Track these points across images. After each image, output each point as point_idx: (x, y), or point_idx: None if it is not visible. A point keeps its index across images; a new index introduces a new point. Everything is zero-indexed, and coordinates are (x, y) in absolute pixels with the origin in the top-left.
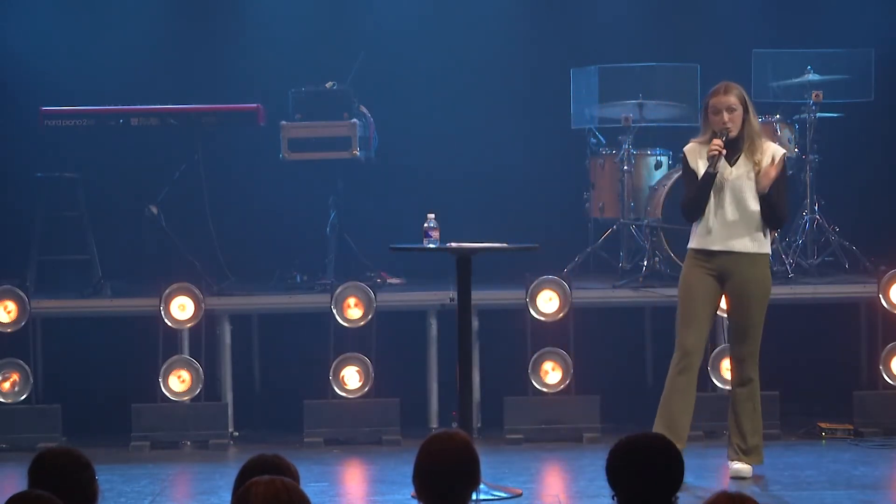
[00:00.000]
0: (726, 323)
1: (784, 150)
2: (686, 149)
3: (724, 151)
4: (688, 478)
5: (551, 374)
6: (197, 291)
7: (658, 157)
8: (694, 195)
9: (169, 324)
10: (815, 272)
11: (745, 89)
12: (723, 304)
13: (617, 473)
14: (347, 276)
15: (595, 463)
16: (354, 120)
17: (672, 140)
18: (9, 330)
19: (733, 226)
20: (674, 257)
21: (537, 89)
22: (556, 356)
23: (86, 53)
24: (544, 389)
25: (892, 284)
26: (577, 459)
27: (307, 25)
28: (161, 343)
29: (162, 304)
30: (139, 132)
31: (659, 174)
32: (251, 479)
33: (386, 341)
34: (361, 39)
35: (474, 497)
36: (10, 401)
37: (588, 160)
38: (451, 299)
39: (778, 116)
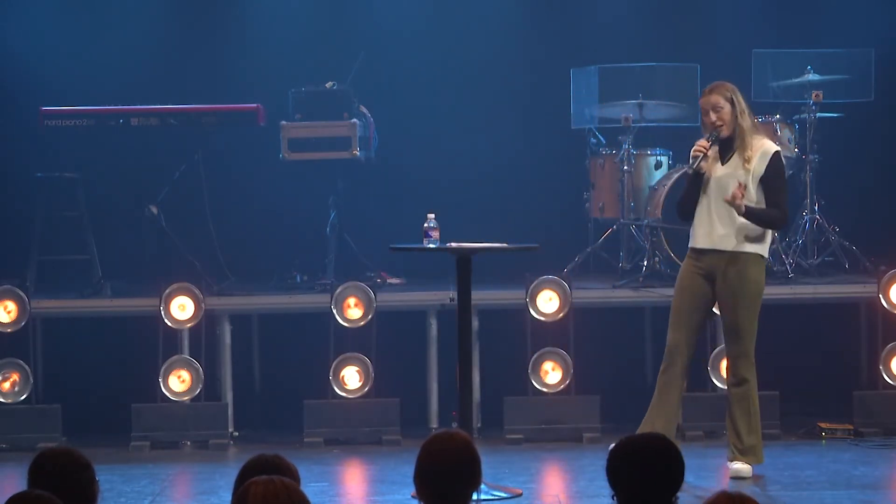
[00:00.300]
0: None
1: (777, 148)
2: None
3: (708, 152)
4: (688, 478)
5: (551, 374)
6: (197, 291)
7: (658, 157)
8: (682, 195)
9: (169, 324)
10: (815, 272)
11: (745, 89)
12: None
13: (617, 473)
14: (347, 276)
15: (595, 463)
16: (354, 120)
17: (672, 140)
18: (9, 330)
19: (720, 224)
20: (674, 257)
21: (537, 89)
22: (556, 356)
23: (86, 53)
24: (544, 389)
25: (892, 284)
26: (577, 459)
27: (307, 25)
28: (161, 343)
29: (162, 304)
30: (139, 132)
31: (659, 174)
32: (250, 479)
33: (386, 341)
34: (361, 39)
35: (475, 497)
36: (10, 401)
37: (588, 160)
38: (451, 299)
39: (778, 116)
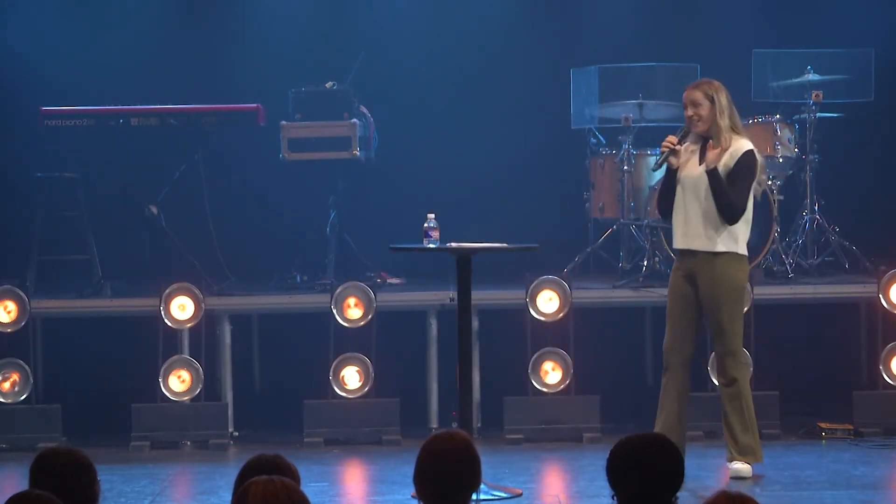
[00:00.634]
0: None
1: (751, 147)
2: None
3: (678, 148)
4: (688, 478)
5: (551, 374)
6: (197, 291)
7: (658, 158)
8: (658, 192)
9: (169, 324)
10: (815, 272)
11: (745, 89)
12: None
13: (617, 473)
14: (347, 276)
15: (595, 463)
16: (354, 120)
17: None
18: (9, 330)
19: (693, 224)
20: (674, 257)
21: (537, 89)
22: (556, 356)
23: (86, 53)
24: (544, 389)
25: (892, 284)
26: (577, 459)
27: (307, 25)
28: (161, 343)
29: (162, 304)
30: (139, 132)
31: (659, 174)
32: (250, 479)
33: (386, 341)
34: (361, 39)
35: (474, 497)
36: (10, 401)
37: (588, 160)
38: (451, 299)
39: (778, 116)
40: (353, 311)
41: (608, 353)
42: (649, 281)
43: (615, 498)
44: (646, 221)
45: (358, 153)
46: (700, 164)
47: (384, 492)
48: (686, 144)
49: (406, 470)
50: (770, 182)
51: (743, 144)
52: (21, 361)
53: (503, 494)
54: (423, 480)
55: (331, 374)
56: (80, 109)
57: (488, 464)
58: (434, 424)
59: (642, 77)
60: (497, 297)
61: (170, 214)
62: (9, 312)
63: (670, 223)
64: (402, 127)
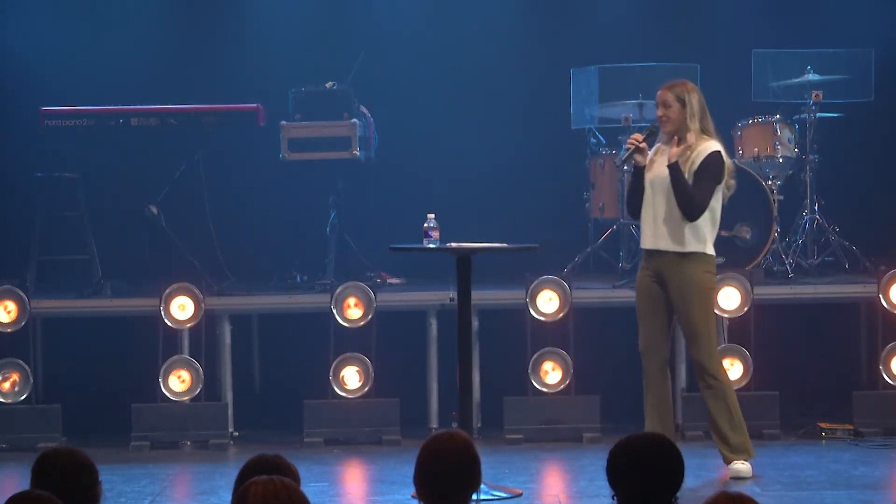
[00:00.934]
0: (726, 322)
1: (718, 148)
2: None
3: (643, 146)
4: (688, 478)
5: (551, 374)
6: (197, 291)
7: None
8: (627, 191)
9: (169, 324)
10: (815, 272)
11: (745, 89)
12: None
13: (617, 473)
14: (347, 276)
15: (595, 463)
16: (354, 120)
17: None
18: (9, 330)
19: (659, 224)
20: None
21: (537, 89)
22: (556, 356)
23: (86, 53)
24: (544, 389)
25: (892, 284)
26: (577, 459)
27: (307, 25)
28: (161, 343)
29: (162, 304)
30: (139, 132)
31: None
32: (250, 479)
33: (386, 341)
34: (361, 39)
35: (474, 497)
36: (10, 401)
37: (588, 160)
38: (451, 299)
39: (778, 116)
40: (353, 311)
41: (608, 353)
42: None
43: (615, 498)
44: None
45: (358, 153)
46: (667, 165)
47: (384, 492)
48: (658, 145)
49: (406, 470)
50: (770, 182)
51: (710, 145)
52: (21, 361)
53: (503, 494)
54: (423, 480)
55: (331, 374)
56: (80, 109)
57: (488, 464)
58: (434, 424)
59: (642, 77)
60: (497, 297)
61: (170, 214)
62: (9, 312)
63: (640, 223)
64: (402, 127)
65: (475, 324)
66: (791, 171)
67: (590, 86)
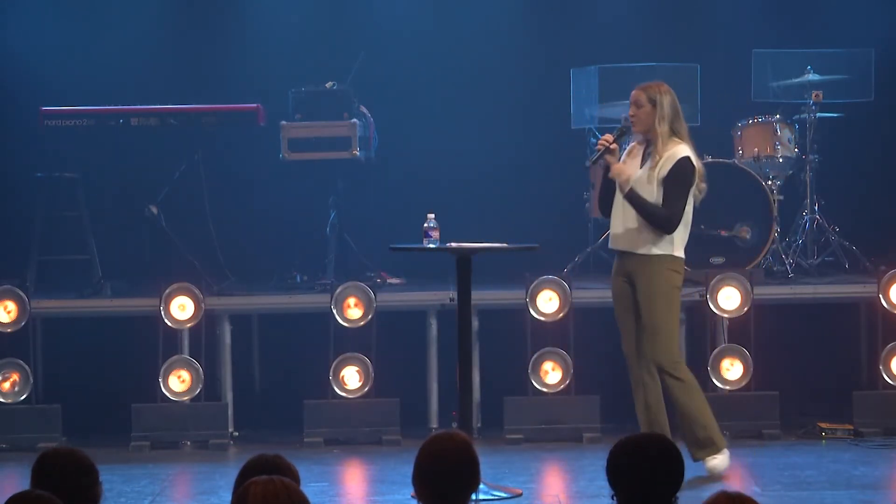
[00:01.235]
0: (726, 322)
1: (686, 154)
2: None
3: (614, 147)
4: (688, 478)
5: (551, 374)
6: (197, 291)
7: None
8: (599, 192)
9: (169, 324)
10: (815, 272)
11: (745, 89)
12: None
13: (617, 473)
14: (347, 276)
15: (595, 463)
16: (354, 120)
17: None
18: (9, 330)
19: (630, 225)
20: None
21: (537, 89)
22: (556, 356)
23: (86, 53)
24: (544, 389)
25: (892, 284)
26: (577, 459)
27: (307, 25)
28: (161, 343)
29: (162, 304)
30: (139, 132)
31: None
32: (250, 479)
33: (386, 341)
34: (361, 39)
35: (474, 497)
36: (10, 401)
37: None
38: (451, 299)
39: (778, 116)
40: (353, 311)
41: (608, 353)
42: None
43: (615, 498)
44: None
45: (358, 153)
46: (640, 167)
47: (384, 492)
48: (632, 144)
49: (406, 470)
50: (770, 182)
51: (679, 151)
52: (21, 361)
53: (503, 494)
54: (423, 481)
55: (331, 374)
56: (80, 109)
57: (488, 464)
58: (434, 424)
59: (642, 77)
60: (497, 297)
61: (170, 214)
62: (9, 312)
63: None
64: (402, 127)
65: (475, 324)
66: (791, 171)
67: (590, 86)
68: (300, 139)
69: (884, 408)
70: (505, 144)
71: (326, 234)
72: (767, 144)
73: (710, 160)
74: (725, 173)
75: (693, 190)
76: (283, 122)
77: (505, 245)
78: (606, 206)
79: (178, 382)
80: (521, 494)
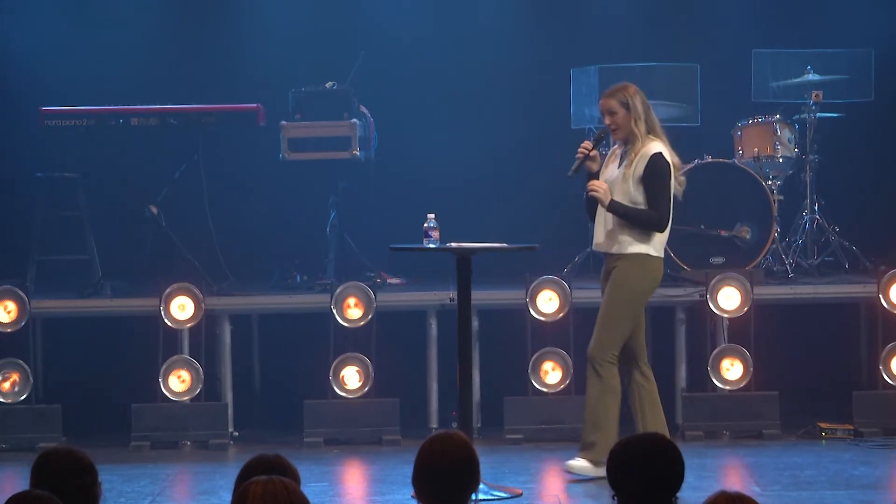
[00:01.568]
0: (726, 322)
1: (659, 150)
2: None
3: (593, 154)
4: (688, 478)
5: (551, 374)
6: (197, 291)
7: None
8: (585, 198)
9: (169, 324)
10: (815, 272)
11: (745, 89)
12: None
13: (617, 473)
14: (347, 276)
15: None
16: (354, 120)
17: (672, 140)
18: (9, 330)
19: (610, 226)
20: (673, 257)
21: (537, 89)
22: (556, 356)
23: (86, 53)
24: (544, 389)
25: (892, 284)
26: None
27: (307, 25)
28: (161, 343)
29: (162, 304)
30: (139, 132)
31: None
32: (250, 479)
33: (386, 341)
34: (361, 39)
35: (474, 497)
36: (10, 401)
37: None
38: (451, 299)
39: (778, 116)
40: (353, 311)
41: None
42: None
43: (615, 498)
44: None
45: (358, 153)
46: (619, 168)
47: (384, 492)
48: (613, 149)
49: (406, 470)
50: (770, 182)
51: (651, 148)
52: (21, 361)
53: (503, 494)
54: (422, 481)
55: (331, 374)
56: (80, 109)
57: (488, 464)
58: (434, 424)
59: (642, 77)
60: (497, 297)
61: (170, 214)
62: (9, 312)
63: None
64: (402, 127)
65: (475, 324)
66: (791, 171)
67: (590, 86)
68: (300, 139)
69: (884, 408)
70: (505, 144)
71: (326, 234)
72: (767, 144)
73: (710, 160)
74: (725, 173)
75: (672, 185)
76: (283, 122)
77: (505, 245)
78: (592, 210)
79: (178, 382)
80: (521, 494)
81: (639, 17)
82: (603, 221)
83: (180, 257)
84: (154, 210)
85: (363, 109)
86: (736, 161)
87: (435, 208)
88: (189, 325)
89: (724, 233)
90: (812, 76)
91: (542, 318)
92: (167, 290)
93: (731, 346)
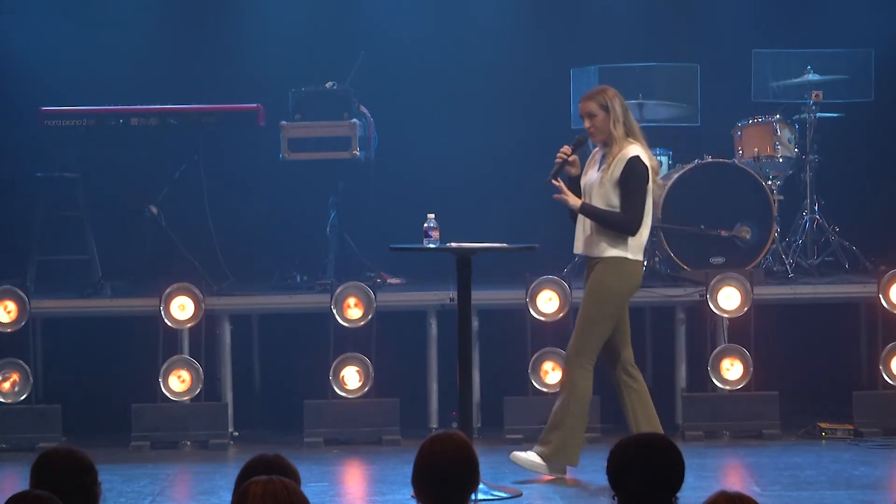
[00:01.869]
0: (726, 322)
1: (636, 154)
2: None
3: (572, 159)
4: (688, 478)
5: (551, 374)
6: (197, 291)
7: (658, 157)
8: None
9: (169, 324)
10: (815, 272)
11: (745, 89)
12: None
13: (617, 473)
14: (347, 276)
15: (595, 463)
16: (354, 120)
17: (672, 140)
18: (9, 330)
19: (587, 230)
20: (674, 257)
21: (537, 89)
22: (556, 356)
23: (86, 53)
24: (544, 389)
25: (892, 284)
26: None
27: (307, 25)
28: (161, 343)
29: (162, 304)
30: (139, 132)
31: (659, 174)
32: (250, 479)
33: (386, 341)
34: (361, 39)
35: (474, 498)
36: (10, 401)
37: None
38: (451, 299)
39: (778, 116)
40: (353, 311)
41: None
42: (649, 281)
43: (615, 498)
44: None
45: (358, 153)
46: (598, 170)
47: (384, 492)
48: (594, 151)
49: (406, 470)
50: (770, 182)
51: (629, 151)
52: (21, 361)
53: (503, 494)
54: (422, 481)
55: (331, 374)
56: (80, 109)
57: (488, 464)
58: (434, 424)
59: (642, 77)
60: (497, 297)
61: (170, 214)
62: (9, 312)
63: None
64: (402, 127)
65: (475, 324)
66: (791, 171)
67: (590, 86)
68: (300, 139)
69: (884, 408)
70: (505, 144)
71: (326, 234)
72: (767, 144)
73: (710, 160)
74: (725, 173)
75: (649, 188)
76: (283, 122)
77: (505, 245)
78: (574, 214)
79: (178, 382)
80: (521, 495)
81: (639, 17)
82: (582, 226)
83: (180, 257)
84: (154, 210)
85: (363, 109)
86: (736, 161)
87: (435, 208)
88: (189, 325)
89: (724, 233)
90: (812, 76)
91: (542, 318)
92: (167, 290)
93: (731, 346)
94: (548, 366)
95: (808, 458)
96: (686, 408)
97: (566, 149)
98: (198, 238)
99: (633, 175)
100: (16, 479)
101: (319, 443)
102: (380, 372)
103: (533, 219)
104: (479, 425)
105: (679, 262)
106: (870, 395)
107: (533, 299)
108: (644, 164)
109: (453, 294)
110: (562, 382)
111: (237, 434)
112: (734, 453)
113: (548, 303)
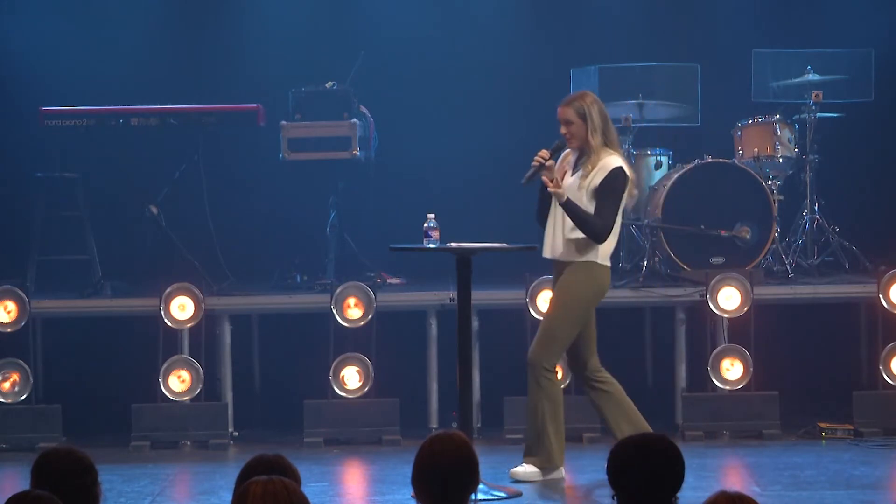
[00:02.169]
0: (726, 322)
1: (619, 164)
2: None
3: (549, 163)
4: (688, 478)
5: None
6: (197, 291)
7: (658, 157)
8: (537, 203)
9: (169, 324)
10: (815, 272)
11: (745, 89)
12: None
13: (617, 473)
14: (347, 276)
15: (595, 463)
16: (354, 120)
17: (672, 140)
18: (9, 330)
19: (557, 234)
20: (674, 257)
21: (537, 89)
22: None
23: (86, 53)
24: None
25: (892, 284)
26: (577, 459)
27: (307, 25)
28: (161, 343)
29: (162, 304)
30: (139, 132)
31: (659, 174)
32: (250, 479)
33: (386, 341)
34: (361, 39)
35: (473, 497)
36: (10, 401)
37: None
38: (451, 299)
39: (778, 116)
40: (353, 311)
41: (608, 353)
42: (649, 281)
43: (615, 498)
44: (646, 221)
45: (358, 153)
46: (573, 176)
47: (384, 492)
48: (566, 153)
49: (406, 470)
50: (770, 182)
51: (611, 161)
52: (21, 361)
53: (503, 494)
54: (422, 481)
55: (331, 374)
56: (80, 109)
57: (488, 464)
58: (434, 424)
59: (642, 77)
60: (497, 297)
61: (170, 214)
62: (9, 312)
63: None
64: (402, 127)
65: (475, 324)
66: (791, 171)
67: (590, 86)
68: (300, 139)
69: (884, 408)
70: (505, 144)
71: (326, 234)
72: (767, 144)
73: (710, 160)
74: (725, 173)
75: (625, 196)
76: (283, 122)
77: (505, 245)
78: (542, 218)
79: (178, 382)
80: (521, 495)
81: (639, 17)
82: (552, 231)
83: (180, 257)
84: (154, 210)
85: (363, 109)
86: (736, 161)
87: (435, 208)
88: (189, 325)
89: (724, 233)
90: (812, 76)
91: (541, 318)
92: (167, 290)
93: (731, 346)
94: None
95: (808, 458)
96: (686, 408)
97: (543, 153)
98: (198, 238)
99: (614, 185)
100: (16, 479)
101: (319, 443)
102: (380, 372)
103: (533, 219)
104: (479, 425)
105: (679, 262)
106: (870, 395)
107: (533, 299)
108: (626, 175)
109: (453, 294)
110: (529, 391)
111: (237, 434)
112: (734, 453)
113: (548, 303)
